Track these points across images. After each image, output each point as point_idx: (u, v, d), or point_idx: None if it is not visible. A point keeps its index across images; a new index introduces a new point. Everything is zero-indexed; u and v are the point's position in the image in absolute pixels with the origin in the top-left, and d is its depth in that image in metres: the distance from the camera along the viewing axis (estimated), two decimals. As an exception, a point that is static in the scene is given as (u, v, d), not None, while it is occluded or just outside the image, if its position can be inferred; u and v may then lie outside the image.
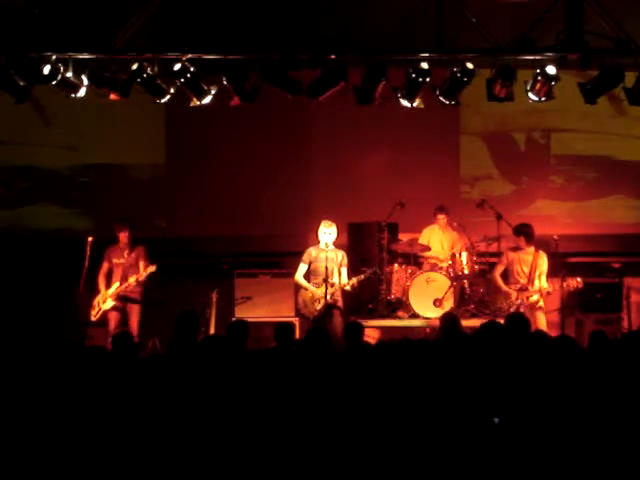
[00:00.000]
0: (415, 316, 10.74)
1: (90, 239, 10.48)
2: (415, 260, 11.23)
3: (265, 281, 11.27)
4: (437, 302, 10.66)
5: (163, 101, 9.65)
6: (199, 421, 5.23)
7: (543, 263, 10.57)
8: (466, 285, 10.98)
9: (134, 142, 12.27)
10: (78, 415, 5.26)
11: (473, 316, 10.64)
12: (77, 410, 5.29)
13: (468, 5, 9.39)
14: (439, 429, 5.09)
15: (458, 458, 4.95)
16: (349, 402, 5.33)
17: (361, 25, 9.89)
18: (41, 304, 11.36)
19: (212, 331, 10.39)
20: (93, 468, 5.00)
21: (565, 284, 10.44)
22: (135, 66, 9.32)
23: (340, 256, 10.39)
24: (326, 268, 10.14)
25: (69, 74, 9.29)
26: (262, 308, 11.03)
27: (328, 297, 10.18)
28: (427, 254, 11.23)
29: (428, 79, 9.31)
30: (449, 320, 8.19)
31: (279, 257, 11.74)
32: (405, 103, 9.58)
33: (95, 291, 10.45)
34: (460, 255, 10.87)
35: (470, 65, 9.24)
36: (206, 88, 9.49)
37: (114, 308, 10.37)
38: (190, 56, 9.33)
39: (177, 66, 9.30)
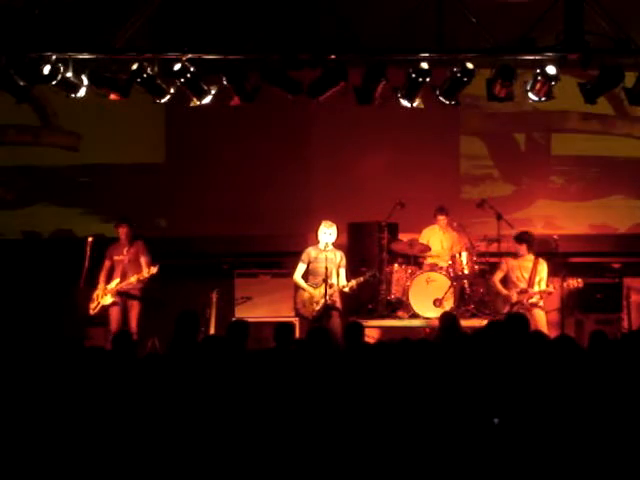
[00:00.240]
0: (415, 316, 10.75)
1: (90, 239, 10.50)
2: (415, 260, 11.24)
3: (265, 281, 11.28)
4: (437, 302, 10.67)
5: (163, 101, 9.64)
6: (199, 421, 5.23)
7: (543, 270, 10.58)
8: (466, 285, 10.99)
9: (134, 142, 12.28)
10: (78, 415, 5.26)
11: (473, 316, 10.66)
12: (77, 410, 5.29)
13: (468, 5, 9.38)
14: (439, 429, 5.09)
15: (458, 458, 4.95)
16: (349, 402, 5.34)
17: (361, 25, 9.87)
18: (41, 304, 11.35)
19: (212, 331, 10.39)
20: (93, 468, 5.01)
21: (565, 284, 10.45)
22: (135, 66, 9.31)
23: (339, 257, 10.38)
24: (326, 269, 10.13)
25: (69, 74, 9.28)
26: (262, 308, 11.04)
27: (327, 298, 10.18)
28: (427, 254, 11.23)
29: (428, 79, 9.30)
30: (448, 320, 8.19)
31: (279, 257, 11.74)
32: (405, 103, 9.57)
33: (95, 288, 10.48)
34: (460, 255, 10.88)
35: (470, 65, 9.24)
36: (206, 88, 9.48)
37: (114, 304, 10.39)
38: (190, 56, 9.33)
39: (177, 66, 9.30)
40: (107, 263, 10.54)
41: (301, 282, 10.36)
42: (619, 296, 11.25)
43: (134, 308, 10.46)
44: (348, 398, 5.37)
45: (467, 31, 9.42)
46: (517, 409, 5.27)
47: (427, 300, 10.71)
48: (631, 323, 10.94)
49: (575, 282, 10.45)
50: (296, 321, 10.30)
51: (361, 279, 10.40)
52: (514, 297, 10.48)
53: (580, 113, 11.89)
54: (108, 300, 10.39)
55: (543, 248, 10.84)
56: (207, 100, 9.55)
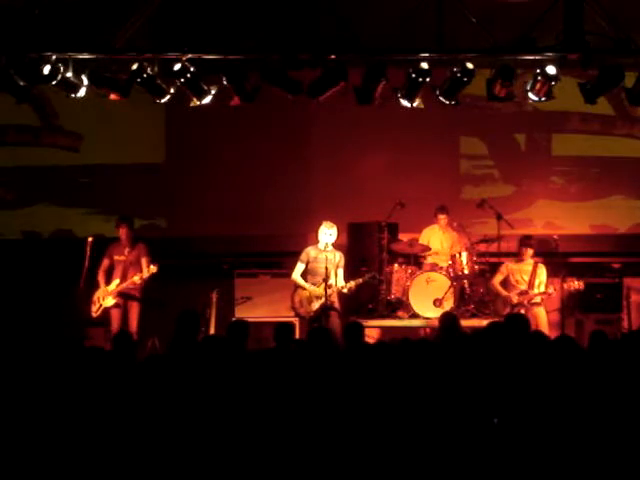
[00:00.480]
0: (415, 316, 10.75)
1: (90, 239, 10.48)
2: (415, 260, 11.24)
3: (265, 281, 11.29)
4: (437, 302, 10.67)
5: (163, 101, 9.63)
6: (199, 421, 5.23)
7: (542, 273, 10.62)
8: (466, 285, 10.99)
9: (134, 142, 12.27)
10: (78, 415, 5.26)
11: (473, 316, 10.67)
12: (77, 410, 5.29)
13: (468, 5, 9.38)
14: (439, 429, 5.09)
15: (458, 458, 4.95)
16: (349, 402, 5.34)
17: (361, 25, 9.86)
18: (41, 305, 11.35)
19: (212, 331, 10.39)
20: (93, 468, 5.00)
21: (565, 285, 10.46)
22: (135, 66, 9.31)
23: (338, 257, 10.38)
24: (326, 269, 10.12)
25: (69, 74, 9.28)
26: (262, 308, 11.05)
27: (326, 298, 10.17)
28: (427, 253, 11.23)
29: (428, 79, 9.30)
30: (448, 320, 8.19)
31: (279, 257, 11.74)
32: (405, 103, 9.57)
33: (95, 288, 10.47)
34: (460, 255, 10.88)
35: (470, 65, 9.23)
36: (206, 88, 9.48)
37: (115, 305, 10.39)
38: (190, 56, 9.32)
39: (177, 66, 9.30)
40: (106, 262, 10.52)
41: (300, 281, 10.36)
42: (619, 296, 11.26)
43: (134, 308, 10.45)
44: (348, 398, 5.37)
45: (467, 31, 9.42)
46: (517, 409, 5.27)
47: (427, 300, 10.72)
48: (631, 323, 10.94)
49: (576, 284, 10.47)
50: (296, 321, 10.30)
51: (360, 280, 10.39)
52: (514, 299, 10.48)
53: (580, 113, 11.88)
54: (110, 302, 10.38)
55: (543, 248, 10.85)
56: (207, 100, 9.54)
